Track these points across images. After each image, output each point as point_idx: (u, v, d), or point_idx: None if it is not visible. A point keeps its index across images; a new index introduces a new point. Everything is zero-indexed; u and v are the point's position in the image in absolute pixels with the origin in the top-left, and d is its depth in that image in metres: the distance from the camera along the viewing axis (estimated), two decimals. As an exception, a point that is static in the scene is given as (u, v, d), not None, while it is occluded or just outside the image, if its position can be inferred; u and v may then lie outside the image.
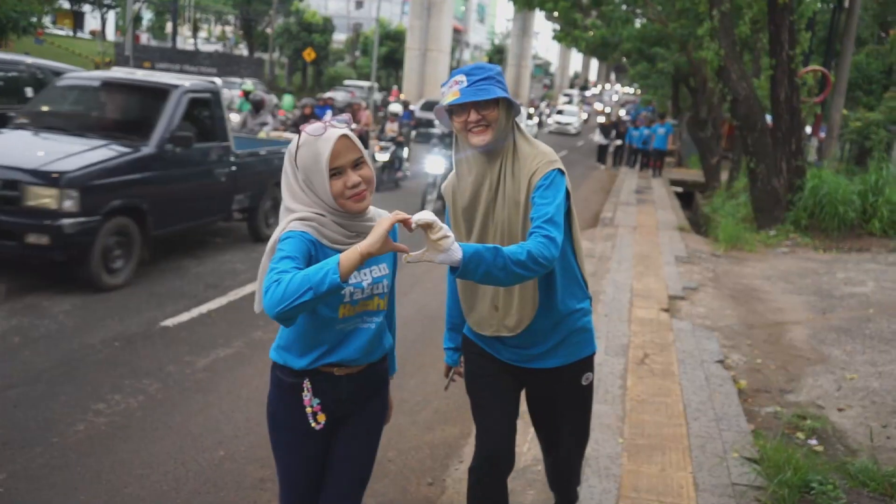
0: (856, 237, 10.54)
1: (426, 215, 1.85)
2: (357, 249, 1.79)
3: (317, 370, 2.11)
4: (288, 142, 9.96)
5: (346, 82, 41.47)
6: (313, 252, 1.96)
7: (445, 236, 1.89)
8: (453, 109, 2.35)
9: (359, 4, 68.52)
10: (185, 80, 7.51)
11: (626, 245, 10.07)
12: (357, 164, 2.03)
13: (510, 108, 2.36)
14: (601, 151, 24.54)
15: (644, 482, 3.51)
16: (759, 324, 6.56)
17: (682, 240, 10.93)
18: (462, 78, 2.32)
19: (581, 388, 2.62)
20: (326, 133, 2.00)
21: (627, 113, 37.94)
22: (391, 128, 14.73)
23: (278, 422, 2.18)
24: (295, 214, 2.01)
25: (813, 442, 4.12)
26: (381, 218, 1.86)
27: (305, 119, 13.35)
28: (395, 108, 15.61)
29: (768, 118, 11.60)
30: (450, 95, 2.33)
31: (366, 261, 1.82)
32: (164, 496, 3.37)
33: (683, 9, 17.31)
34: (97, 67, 36.70)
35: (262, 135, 10.77)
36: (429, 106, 28.33)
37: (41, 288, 6.12)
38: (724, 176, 18.33)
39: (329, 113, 18.36)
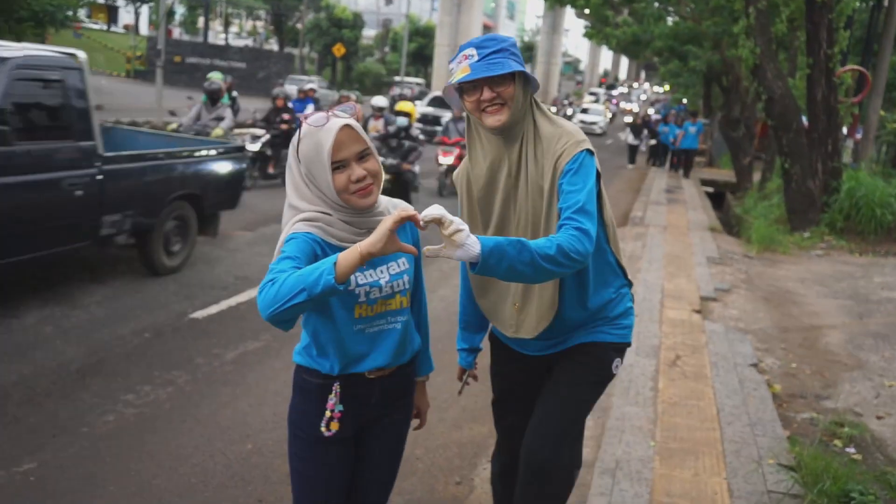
0: (893, 241, 10.32)
1: (434, 210, 1.73)
2: (357, 249, 1.67)
3: (349, 374, 2.01)
4: (224, 143, 7.83)
5: (397, 78, 41.15)
6: (319, 252, 1.85)
7: (458, 230, 1.75)
8: (464, 87, 2.12)
9: (388, 0, 68.60)
10: (19, 51, 5.33)
11: (657, 245, 9.94)
12: (362, 156, 1.89)
13: (527, 82, 2.13)
14: (632, 151, 24.20)
15: (677, 487, 3.44)
16: (794, 327, 6.42)
17: (713, 240, 10.77)
18: (472, 51, 2.08)
19: (607, 372, 2.33)
20: (328, 123, 1.86)
21: (657, 112, 37.49)
22: (375, 126, 12.52)
23: (303, 429, 2.03)
24: (300, 215, 1.90)
25: (851, 450, 4.02)
26: (388, 215, 1.74)
27: (277, 112, 12.34)
28: (379, 101, 13.13)
29: (803, 118, 11.39)
30: (459, 72, 2.09)
31: (366, 262, 1.68)
32: (192, 489, 3.37)
33: (717, 6, 17.09)
34: (129, 62, 37.17)
35: (217, 132, 9.25)
36: (437, 101, 26.17)
37: (73, 278, 6.17)
38: (757, 176, 18.06)
39: (311, 107, 15.37)
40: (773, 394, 4.75)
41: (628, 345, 2.39)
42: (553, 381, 2.36)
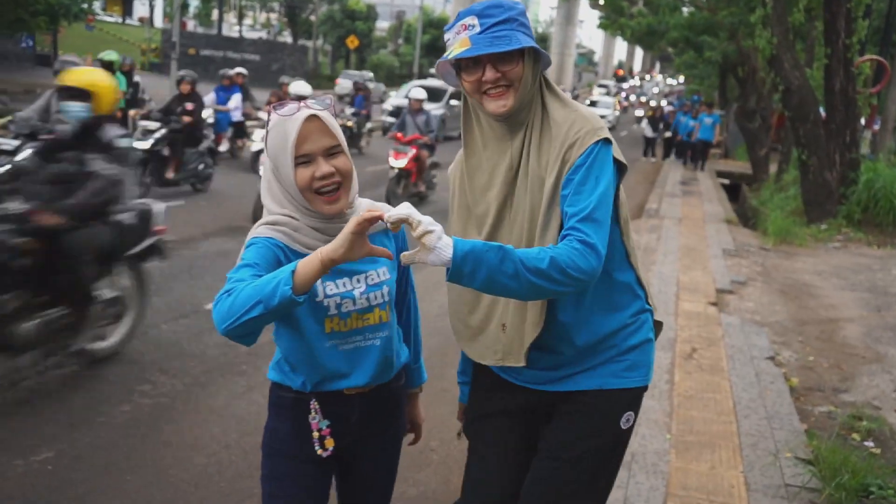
0: (912, 233, 10.22)
1: (400, 209, 1.53)
2: (317, 256, 1.49)
3: (326, 391, 1.84)
4: None
5: (432, 70, 40.72)
6: (283, 258, 1.69)
7: (427, 231, 1.52)
8: (462, 64, 1.77)
9: (402, -8, 68.41)
10: None
11: (672, 237, 9.88)
12: (332, 153, 1.71)
13: (537, 60, 1.79)
14: (648, 144, 23.87)
15: (693, 480, 3.42)
16: (811, 320, 6.37)
17: (729, 232, 10.70)
18: (473, 20, 1.72)
19: (616, 431, 1.89)
20: (297, 114, 1.69)
21: (670, 103, 37.06)
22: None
23: (277, 449, 1.89)
24: (264, 218, 1.76)
25: (869, 444, 3.98)
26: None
27: (180, 100, 10.01)
28: (300, 87, 10.55)
29: (821, 109, 11.28)
30: (457, 45, 1.74)
31: (331, 269, 1.51)
32: (208, 479, 3.38)
33: (734, -4, 16.94)
34: (143, 54, 37.35)
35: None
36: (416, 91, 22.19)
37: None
38: (773, 168, 17.92)
39: (237, 97, 12.53)
40: (790, 387, 4.72)
41: (645, 389, 1.95)
42: (550, 444, 1.91)
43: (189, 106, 9.86)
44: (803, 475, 3.50)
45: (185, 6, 42.63)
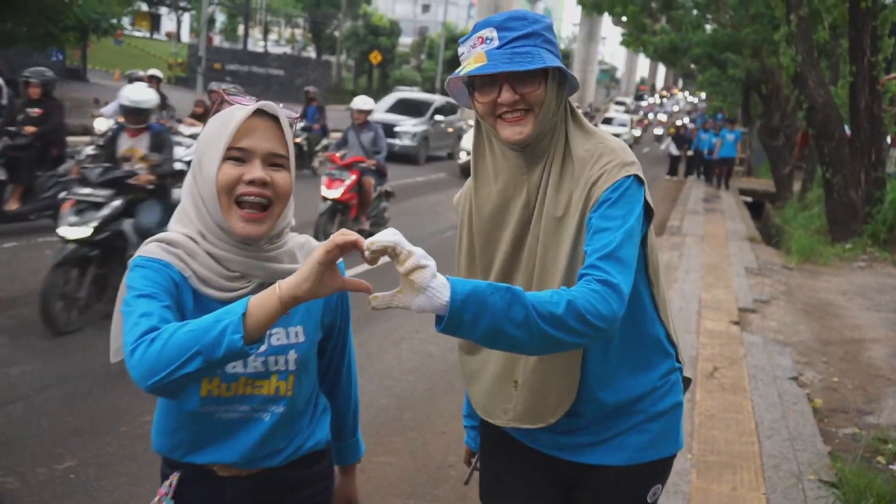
0: (939, 253, 10.08)
1: (386, 236, 1.21)
2: (275, 293, 1.19)
3: (191, 463, 1.50)
4: None
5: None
6: (175, 293, 1.36)
7: (419, 266, 1.21)
8: (476, 82, 1.52)
9: (425, 8, 69.04)
10: None
11: (694, 255, 9.82)
12: (274, 162, 1.40)
13: (562, 82, 1.55)
14: (674, 162, 23.35)
15: (714, 501, 3.38)
16: (835, 340, 6.29)
17: (752, 251, 10.61)
18: (491, 33, 1.48)
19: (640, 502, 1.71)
20: (250, 104, 1.40)
21: (692, 121, 36.75)
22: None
23: None
24: (157, 235, 1.43)
25: (895, 467, 3.92)
26: (297, 256, 1.34)
27: (23, 107, 7.45)
28: (135, 93, 5.44)
29: (846, 127, 11.21)
30: (471, 60, 1.49)
31: (290, 311, 1.21)
32: (227, 491, 3.40)
33: (757, 14, 16.92)
34: (170, 68, 37.91)
35: None
36: (400, 107, 19.48)
37: (113, 279, 6.28)
38: (797, 186, 17.77)
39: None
40: (813, 408, 4.66)
41: (675, 455, 1.73)
42: None
43: (36, 111, 7.23)
44: (827, 498, 3.46)
45: (211, 21, 43.32)
